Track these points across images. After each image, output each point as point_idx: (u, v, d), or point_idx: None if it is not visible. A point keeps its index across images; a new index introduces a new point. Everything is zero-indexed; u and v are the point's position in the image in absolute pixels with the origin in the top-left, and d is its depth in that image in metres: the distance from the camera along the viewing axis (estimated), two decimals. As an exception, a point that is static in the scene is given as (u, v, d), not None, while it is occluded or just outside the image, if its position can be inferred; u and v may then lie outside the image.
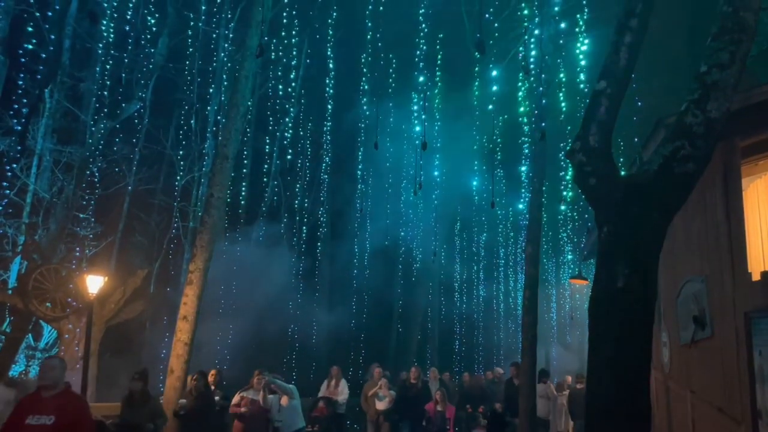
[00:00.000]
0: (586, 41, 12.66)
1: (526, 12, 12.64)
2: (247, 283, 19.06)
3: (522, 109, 15.07)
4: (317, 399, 11.54)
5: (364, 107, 19.63)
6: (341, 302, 22.09)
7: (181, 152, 18.26)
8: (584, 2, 12.59)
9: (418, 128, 17.67)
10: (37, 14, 14.40)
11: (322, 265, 22.34)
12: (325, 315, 21.22)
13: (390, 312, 24.28)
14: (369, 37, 16.06)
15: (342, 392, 12.00)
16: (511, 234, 26.12)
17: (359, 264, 22.54)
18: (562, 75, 13.57)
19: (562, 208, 19.89)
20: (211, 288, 13.79)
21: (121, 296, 14.28)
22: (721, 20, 4.03)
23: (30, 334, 14.53)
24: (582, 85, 12.75)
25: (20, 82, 14.26)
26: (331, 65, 18.69)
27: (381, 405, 11.74)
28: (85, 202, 15.38)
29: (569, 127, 13.60)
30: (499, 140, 17.56)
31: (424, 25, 14.60)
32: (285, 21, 16.96)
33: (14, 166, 14.14)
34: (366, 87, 19.45)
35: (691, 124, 3.85)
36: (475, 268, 27.29)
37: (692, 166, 3.83)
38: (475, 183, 21.24)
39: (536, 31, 12.09)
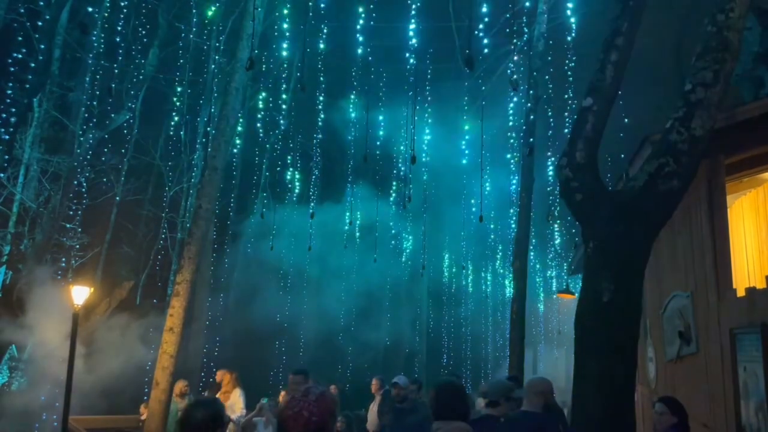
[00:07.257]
0: (574, 58, 12.81)
1: (515, 28, 12.78)
2: (231, 296, 18.98)
3: (510, 123, 15.18)
4: None
5: (354, 120, 19.65)
6: (328, 314, 21.96)
7: (170, 163, 18.19)
8: (572, 21, 12.76)
9: (407, 142, 17.73)
10: (27, 23, 14.36)
11: (309, 276, 22.21)
12: (312, 328, 21.09)
13: (378, 325, 24.18)
14: (360, 51, 16.14)
15: (233, 407, 8.82)
16: (500, 248, 26.16)
17: (346, 276, 22.44)
18: (550, 90, 13.70)
19: (551, 222, 19.96)
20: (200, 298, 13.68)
21: (107, 307, 14.17)
22: (705, 40, 4.09)
23: (13, 346, 14.33)
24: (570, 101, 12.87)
25: (9, 92, 14.20)
26: (321, 78, 18.73)
27: None
28: (72, 213, 15.26)
29: (557, 143, 13.70)
30: (487, 154, 17.61)
31: (414, 41, 14.69)
32: (276, 34, 17.00)
33: (1, 175, 14.02)
34: (356, 100, 19.49)
35: (675, 142, 3.90)
36: (464, 282, 27.30)
37: (677, 182, 3.88)
38: (463, 195, 21.30)
39: (525, 47, 12.23)
